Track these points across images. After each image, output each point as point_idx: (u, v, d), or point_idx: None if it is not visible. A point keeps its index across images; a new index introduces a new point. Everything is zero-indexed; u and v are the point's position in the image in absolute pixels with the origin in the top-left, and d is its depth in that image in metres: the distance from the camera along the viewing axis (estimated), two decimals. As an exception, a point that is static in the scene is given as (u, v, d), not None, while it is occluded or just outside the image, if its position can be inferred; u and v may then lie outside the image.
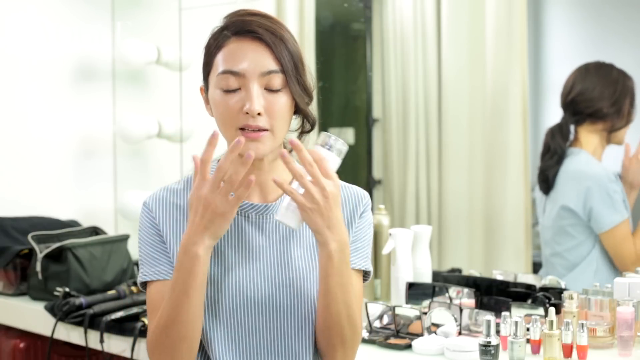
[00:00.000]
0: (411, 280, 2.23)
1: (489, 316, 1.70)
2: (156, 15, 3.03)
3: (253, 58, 1.30)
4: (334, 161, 1.28)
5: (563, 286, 2.21)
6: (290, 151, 1.32)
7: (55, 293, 2.31)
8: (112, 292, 2.29)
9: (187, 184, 1.39)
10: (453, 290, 2.15)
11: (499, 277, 2.30)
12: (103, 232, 2.67)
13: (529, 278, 2.31)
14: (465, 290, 2.12)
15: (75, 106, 2.91)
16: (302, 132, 1.41)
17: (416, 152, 3.10)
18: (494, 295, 2.10)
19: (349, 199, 1.41)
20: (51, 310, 2.27)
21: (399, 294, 2.22)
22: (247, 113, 1.28)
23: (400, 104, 3.15)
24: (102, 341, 2.11)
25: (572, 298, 1.85)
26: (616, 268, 2.34)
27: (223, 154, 1.25)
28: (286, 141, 1.36)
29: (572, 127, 2.46)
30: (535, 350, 1.75)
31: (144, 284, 1.37)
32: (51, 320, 2.26)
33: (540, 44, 3.57)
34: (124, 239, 2.60)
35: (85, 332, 2.16)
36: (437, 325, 1.92)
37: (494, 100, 2.82)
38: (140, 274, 1.37)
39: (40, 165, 2.82)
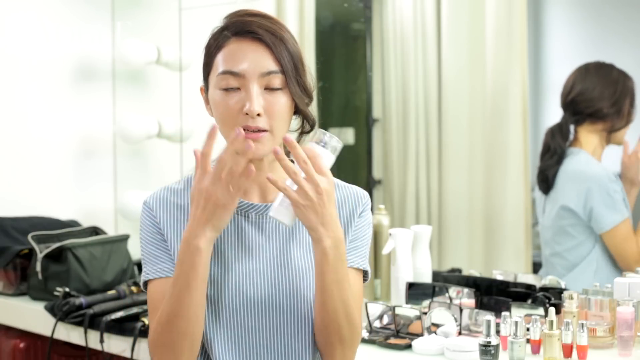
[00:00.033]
0: (411, 280, 2.23)
1: (489, 316, 1.70)
2: (156, 15, 3.03)
3: (253, 59, 1.30)
4: (328, 158, 1.28)
5: (563, 286, 2.21)
6: (288, 154, 1.33)
7: (55, 293, 2.31)
8: (112, 292, 2.29)
9: (187, 183, 1.40)
10: (453, 290, 2.15)
11: (499, 277, 2.30)
12: (103, 232, 2.67)
13: (529, 278, 2.31)
14: (465, 290, 2.12)
15: (75, 106, 2.91)
16: (302, 133, 1.41)
17: (416, 152, 3.10)
18: (494, 295, 2.10)
19: (348, 198, 1.41)
20: (51, 310, 2.27)
21: (399, 294, 2.22)
22: (246, 114, 1.29)
23: (400, 104, 3.15)
24: (102, 341, 2.11)
25: (572, 298, 1.85)
26: (616, 268, 2.34)
27: (223, 149, 1.25)
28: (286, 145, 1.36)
29: (572, 127, 2.46)
30: (535, 350, 1.75)
31: (146, 284, 1.37)
32: (51, 320, 2.26)
33: (540, 44, 3.58)
34: (124, 239, 2.60)
35: (85, 332, 2.16)
36: (437, 325, 1.92)
37: (494, 100, 2.82)
38: (142, 274, 1.37)
39: (40, 165, 2.82)
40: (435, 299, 2.12)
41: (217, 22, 1.37)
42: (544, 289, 2.12)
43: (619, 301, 1.81)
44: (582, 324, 1.70)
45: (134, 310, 2.17)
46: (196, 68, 1.44)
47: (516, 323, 1.69)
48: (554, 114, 2.57)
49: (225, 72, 1.31)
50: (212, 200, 1.23)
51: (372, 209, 1.46)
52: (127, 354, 2.10)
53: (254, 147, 1.22)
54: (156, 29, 2.98)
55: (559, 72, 2.81)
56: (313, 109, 1.40)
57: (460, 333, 1.90)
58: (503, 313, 1.77)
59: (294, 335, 1.35)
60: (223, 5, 2.17)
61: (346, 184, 1.43)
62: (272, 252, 1.36)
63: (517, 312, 1.91)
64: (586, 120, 2.43)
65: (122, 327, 2.12)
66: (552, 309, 1.74)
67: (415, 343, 1.85)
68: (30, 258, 2.47)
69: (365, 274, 1.41)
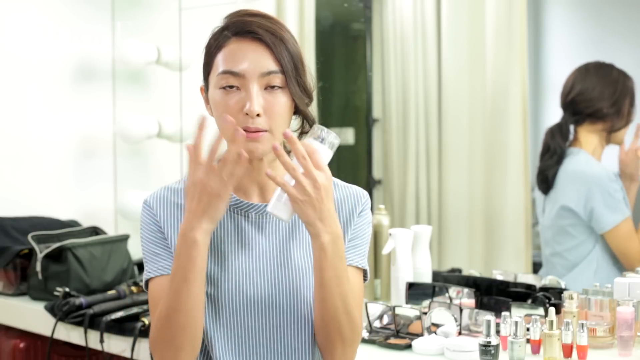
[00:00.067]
0: (411, 280, 2.23)
1: (489, 316, 1.70)
2: (156, 15, 3.03)
3: (253, 58, 1.30)
4: (326, 154, 1.28)
5: (563, 286, 2.21)
6: (289, 152, 1.33)
7: (55, 293, 2.31)
8: (112, 292, 2.29)
9: (187, 183, 1.40)
10: (453, 290, 2.15)
11: (499, 277, 2.30)
12: (103, 232, 2.67)
13: (529, 278, 2.31)
14: (465, 290, 2.12)
15: (75, 106, 2.91)
16: (302, 133, 1.41)
17: (416, 152, 3.09)
18: (494, 295, 2.10)
19: (348, 198, 1.41)
20: (51, 310, 2.27)
21: (399, 294, 2.22)
22: (247, 114, 1.29)
23: (400, 104, 3.15)
24: (102, 341, 2.11)
25: (572, 298, 1.85)
26: (616, 268, 2.34)
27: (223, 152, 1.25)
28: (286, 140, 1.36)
29: (571, 127, 2.46)
30: (535, 350, 1.75)
31: (148, 283, 1.37)
32: (51, 320, 2.26)
33: (540, 44, 3.57)
34: (124, 239, 2.60)
35: (85, 332, 2.16)
36: (437, 325, 1.92)
37: (494, 100, 2.82)
38: (144, 273, 1.37)
39: (40, 165, 2.82)
40: (435, 299, 2.12)
41: (217, 22, 1.37)
42: (544, 289, 2.12)
43: (619, 301, 1.81)
44: (582, 324, 1.70)
45: (134, 310, 2.17)
46: (196, 68, 1.44)
47: (516, 323, 1.69)
48: (554, 114, 2.57)
49: (225, 72, 1.31)
50: (206, 190, 1.24)
51: (372, 209, 1.46)
52: (127, 354, 2.10)
53: (245, 133, 1.24)
54: (156, 29, 2.98)
55: (559, 72, 2.80)
56: (313, 109, 1.40)
57: (460, 333, 1.90)
58: (503, 313, 1.77)
59: (294, 335, 1.35)
60: (223, 5, 2.18)
61: (346, 184, 1.43)
62: (272, 251, 1.36)
63: (517, 312, 1.91)
64: (586, 120, 2.43)
65: (122, 327, 2.12)
66: (552, 309, 1.74)
67: (415, 343, 1.85)
68: (30, 258, 2.47)
69: (364, 273, 1.41)
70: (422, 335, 1.90)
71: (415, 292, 2.19)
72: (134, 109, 2.95)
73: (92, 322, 2.17)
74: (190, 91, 2.87)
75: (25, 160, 2.78)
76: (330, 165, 1.28)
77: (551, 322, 1.70)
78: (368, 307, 2.00)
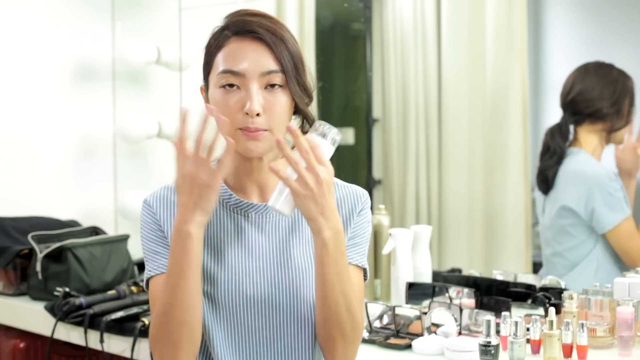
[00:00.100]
0: (411, 280, 2.23)
1: (489, 316, 1.70)
2: (156, 15, 3.03)
3: (253, 58, 1.30)
4: (328, 149, 1.28)
5: (563, 286, 2.21)
6: (293, 147, 1.33)
7: (55, 293, 2.31)
8: (112, 292, 2.29)
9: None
10: (453, 290, 2.15)
11: (499, 277, 2.30)
12: (103, 232, 2.67)
13: (529, 278, 2.31)
14: (465, 290, 2.12)
15: (75, 106, 2.91)
16: (302, 132, 1.41)
17: (416, 152, 3.09)
18: (494, 295, 2.10)
19: (348, 197, 1.41)
20: (51, 310, 2.27)
21: (399, 294, 2.22)
22: (247, 113, 1.29)
23: (400, 104, 3.15)
24: (102, 341, 2.11)
25: (572, 298, 1.85)
26: (616, 267, 2.34)
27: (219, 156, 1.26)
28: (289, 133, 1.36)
29: (571, 127, 2.46)
30: (535, 350, 1.75)
31: (148, 283, 1.37)
32: (51, 320, 2.26)
33: (540, 44, 3.57)
34: (124, 239, 2.60)
35: (85, 332, 2.16)
36: (437, 325, 1.92)
37: (494, 100, 2.82)
38: (145, 272, 1.37)
39: (40, 165, 2.82)
40: (435, 299, 2.12)
41: (217, 22, 1.37)
42: (544, 289, 2.12)
43: (619, 301, 1.81)
44: (582, 324, 1.70)
45: (134, 310, 2.17)
46: (196, 68, 1.44)
47: (516, 323, 1.69)
48: (554, 114, 2.57)
49: (225, 71, 1.31)
50: (197, 182, 1.24)
51: (372, 209, 1.46)
52: (127, 354, 2.10)
53: (227, 120, 1.25)
54: (156, 29, 2.99)
55: (559, 72, 2.80)
56: (313, 109, 1.40)
57: (460, 333, 1.90)
58: (503, 313, 1.77)
59: (294, 334, 1.35)
60: (223, 5, 2.17)
61: (345, 183, 1.43)
62: (272, 251, 1.36)
63: (517, 312, 1.91)
64: (586, 120, 2.43)
65: (122, 327, 2.12)
66: (552, 309, 1.74)
67: (415, 343, 1.85)
68: (30, 258, 2.47)
69: (364, 272, 1.41)
70: (422, 335, 1.90)
71: (415, 292, 2.19)
72: (134, 109, 2.95)
73: (92, 322, 2.17)
74: (190, 91, 2.87)
75: (25, 160, 2.78)
76: (330, 163, 1.28)
77: (551, 322, 1.70)
78: (368, 307, 2.00)
